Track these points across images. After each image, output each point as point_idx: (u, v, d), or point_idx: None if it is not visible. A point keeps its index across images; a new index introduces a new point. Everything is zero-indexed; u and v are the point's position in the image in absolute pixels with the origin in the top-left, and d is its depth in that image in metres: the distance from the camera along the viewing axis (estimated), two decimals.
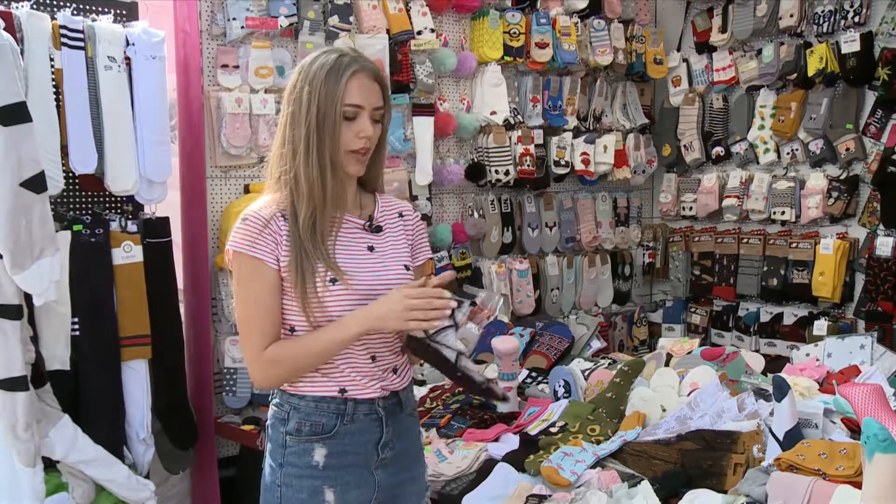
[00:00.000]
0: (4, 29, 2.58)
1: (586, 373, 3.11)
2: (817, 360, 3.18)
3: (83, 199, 3.19)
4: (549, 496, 2.31)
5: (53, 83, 2.91)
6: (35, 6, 2.95)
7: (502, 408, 3.01)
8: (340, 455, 1.85)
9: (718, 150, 4.93)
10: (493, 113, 4.38)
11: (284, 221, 1.82)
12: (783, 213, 4.56)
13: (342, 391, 1.84)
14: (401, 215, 1.99)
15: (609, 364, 3.23)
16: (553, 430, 2.70)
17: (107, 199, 3.24)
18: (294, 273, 1.79)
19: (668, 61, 5.07)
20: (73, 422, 2.82)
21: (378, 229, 1.93)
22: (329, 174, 1.81)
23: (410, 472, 1.96)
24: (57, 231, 2.74)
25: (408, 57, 4.02)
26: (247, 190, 3.61)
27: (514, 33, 4.38)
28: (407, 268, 1.93)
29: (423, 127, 4.09)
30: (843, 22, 4.29)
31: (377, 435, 1.87)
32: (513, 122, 4.45)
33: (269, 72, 3.58)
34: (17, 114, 2.49)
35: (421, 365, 3.65)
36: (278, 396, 1.89)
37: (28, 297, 2.61)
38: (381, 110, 1.86)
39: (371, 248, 1.90)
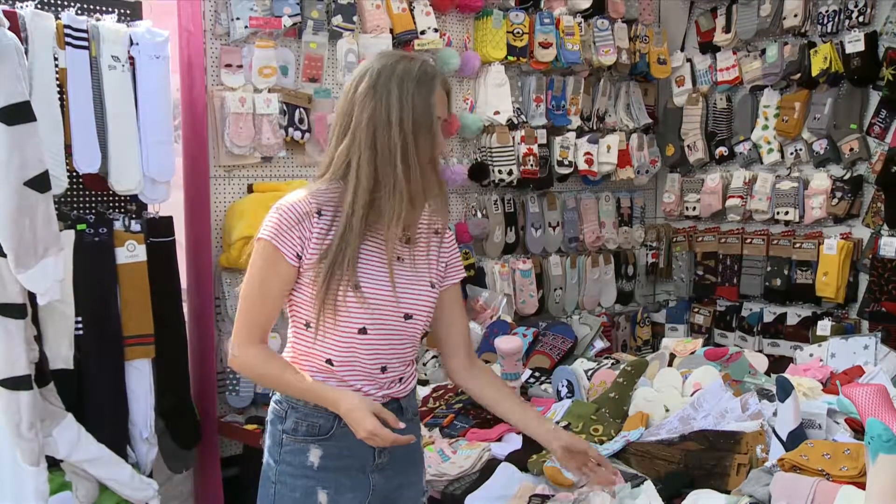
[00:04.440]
0: (9, 28, 2.58)
1: (589, 373, 3.11)
2: (821, 360, 3.18)
3: (87, 199, 3.20)
4: (552, 496, 2.31)
5: (57, 83, 2.91)
6: (39, 6, 2.95)
7: None
8: (336, 457, 1.84)
9: (722, 150, 4.92)
10: (497, 113, 4.37)
11: (319, 218, 1.80)
12: (787, 213, 4.55)
13: None
14: (436, 233, 1.97)
15: (612, 364, 3.23)
16: None
17: (110, 198, 3.24)
18: (322, 273, 1.77)
19: (671, 61, 5.07)
20: (77, 421, 2.82)
21: (409, 240, 1.90)
22: (418, 188, 1.79)
23: (408, 476, 1.96)
24: (61, 230, 2.75)
25: None
26: (250, 189, 3.62)
27: (518, 33, 4.38)
28: (432, 285, 1.91)
29: None
30: (847, 22, 4.28)
31: None
32: (516, 121, 4.45)
33: (273, 71, 3.58)
34: (21, 113, 2.50)
35: (424, 365, 3.66)
36: (278, 393, 1.89)
37: (32, 297, 2.61)
38: (447, 121, 1.87)
39: (399, 259, 1.87)
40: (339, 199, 1.81)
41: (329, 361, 1.83)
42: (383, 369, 1.86)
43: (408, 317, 1.86)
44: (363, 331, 1.81)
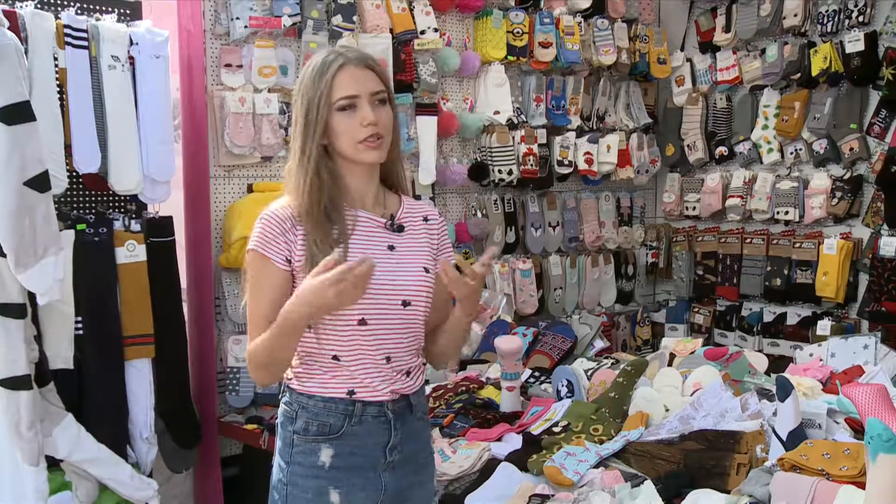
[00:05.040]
0: (9, 28, 2.58)
1: (589, 372, 3.11)
2: (821, 360, 3.18)
3: (87, 199, 3.20)
4: (552, 496, 2.31)
5: (57, 82, 2.91)
6: (39, 6, 2.95)
7: (505, 407, 3.01)
8: (347, 456, 1.84)
9: (722, 149, 4.92)
10: (497, 112, 4.37)
11: (300, 220, 1.83)
12: (787, 213, 4.56)
13: (350, 393, 1.84)
14: (426, 219, 1.98)
15: (612, 364, 3.23)
16: (556, 429, 2.70)
17: (110, 198, 3.24)
18: (306, 271, 1.78)
19: (671, 61, 5.07)
20: (77, 421, 2.82)
21: (400, 228, 1.92)
22: (324, 174, 1.81)
23: (419, 476, 1.95)
24: (60, 230, 2.74)
25: (411, 56, 4.02)
26: (250, 189, 3.62)
27: (518, 33, 4.38)
28: (427, 270, 1.91)
29: (427, 126, 4.09)
30: (847, 21, 4.29)
31: (385, 437, 1.86)
32: (516, 121, 4.45)
33: (273, 71, 3.58)
34: (21, 113, 2.50)
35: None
36: (287, 395, 1.90)
37: (32, 296, 2.61)
38: (382, 93, 1.84)
39: (391, 248, 1.89)
40: None
41: (336, 357, 1.83)
42: (388, 359, 1.85)
43: (406, 303, 1.86)
44: (363, 322, 1.81)
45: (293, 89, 1.91)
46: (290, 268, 1.82)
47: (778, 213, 4.60)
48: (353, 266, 1.64)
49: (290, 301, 1.73)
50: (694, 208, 5.05)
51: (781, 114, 4.56)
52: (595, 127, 4.86)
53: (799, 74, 4.44)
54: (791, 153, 4.60)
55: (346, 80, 1.81)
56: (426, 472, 1.99)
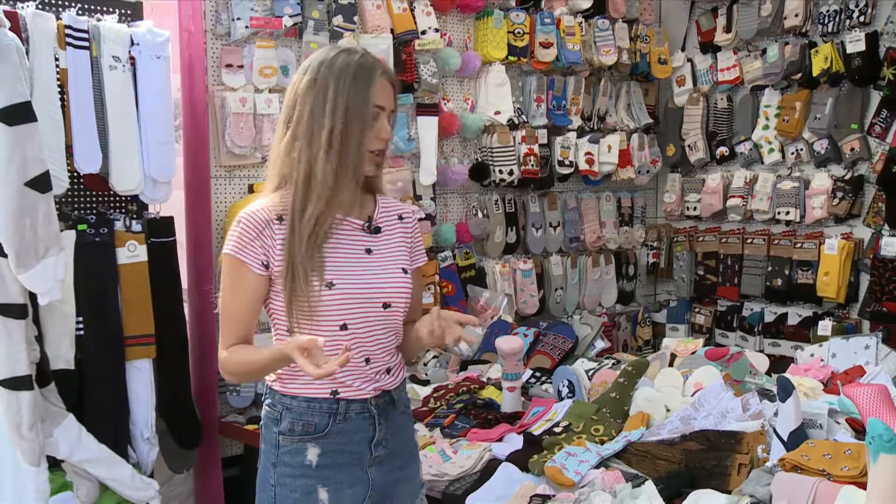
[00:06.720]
0: (10, 29, 2.58)
1: (590, 373, 3.11)
2: (822, 360, 3.18)
3: (88, 199, 3.20)
4: (553, 496, 2.31)
5: (58, 83, 2.91)
6: (40, 6, 2.95)
7: (506, 408, 3.01)
8: (334, 454, 1.85)
9: (723, 150, 4.92)
10: (497, 113, 4.37)
11: (280, 224, 1.81)
12: (787, 213, 4.55)
13: (334, 393, 1.84)
14: (400, 218, 1.98)
15: (613, 364, 3.23)
16: (557, 430, 2.70)
17: (111, 198, 3.24)
18: (284, 277, 1.78)
19: (672, 61, 5.07)
20: (78, 421, 2.82)
21: (377, 230, 1.92)
22: (346, 174, 1.81)
23: (405, 470, 1.96)
24: (61, 230, 2.75)
25: (412, 57, 4.02)
26: (251, 190, 3.62)
27: (519, 33, 4.38)
28: (405, 271, 1.92)
29: (427, 127, 4.09)
30: (848, 22, 4.29)
31: (370, 433, 1.87)
32: (517, 121, 4.45)
33: (274, 71, 3.58)
34: (22, 113, 2.50)
35: (415, 362, 3.65)
36: (270, 396, 1.90)
37: (33, 297, 2.62)
38: (394, 112, 1.89)
39: (369, 251, 1.89)
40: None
41: None
42: (367, 361, 1.86)
43: (386, 306, 1.86)
44: (344, 327, 1.82)
45: (304, 81, 1.84)
46: (268, 273, 1.81)
47: (779, 213, 4.60)
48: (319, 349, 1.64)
49: (277, 349, 1.73)
50: (695, 208, 5.05)
51: (782, 114, 4.56)
52: (596, 127, 4.86)
53: (800, 74, 4.44)
54: (792, 153, 4.59)
55: (381, 89, 1.83)
56: (412, 466, 2.00)
